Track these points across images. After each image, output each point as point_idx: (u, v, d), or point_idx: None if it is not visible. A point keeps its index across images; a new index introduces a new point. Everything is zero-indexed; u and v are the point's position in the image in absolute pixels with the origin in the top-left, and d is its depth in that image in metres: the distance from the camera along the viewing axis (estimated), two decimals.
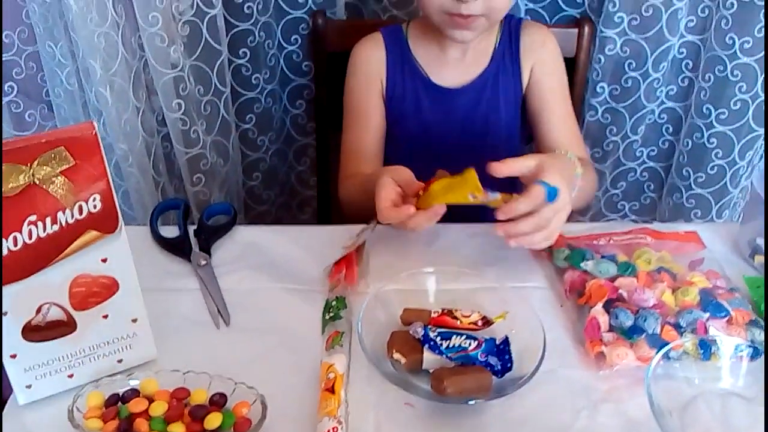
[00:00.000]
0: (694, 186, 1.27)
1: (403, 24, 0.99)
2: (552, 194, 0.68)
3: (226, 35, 1.11)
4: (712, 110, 1.18)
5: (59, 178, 0.52)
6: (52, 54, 0.99)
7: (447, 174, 0.71)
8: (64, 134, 0.52)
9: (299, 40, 1.23)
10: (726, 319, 0.66)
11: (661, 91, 1.24)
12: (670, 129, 1.29)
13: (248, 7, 1.12)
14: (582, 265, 0.72)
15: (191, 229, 0.80)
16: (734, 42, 1.11)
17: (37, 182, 0.51)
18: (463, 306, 0.67)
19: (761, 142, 1.21)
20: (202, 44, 1.06)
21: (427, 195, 0.69)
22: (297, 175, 1.41)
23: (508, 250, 0.75)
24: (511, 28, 0.96)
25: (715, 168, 1.24)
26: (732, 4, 1.08)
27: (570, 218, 0.73)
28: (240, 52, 1.16)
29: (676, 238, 0.79)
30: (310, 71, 1.26)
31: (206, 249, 0.76)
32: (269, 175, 1.35)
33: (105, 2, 0.93)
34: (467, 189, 0.67)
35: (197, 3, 1.02)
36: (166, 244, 0.77)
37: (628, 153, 1.31)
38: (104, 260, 0.56)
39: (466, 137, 0.96)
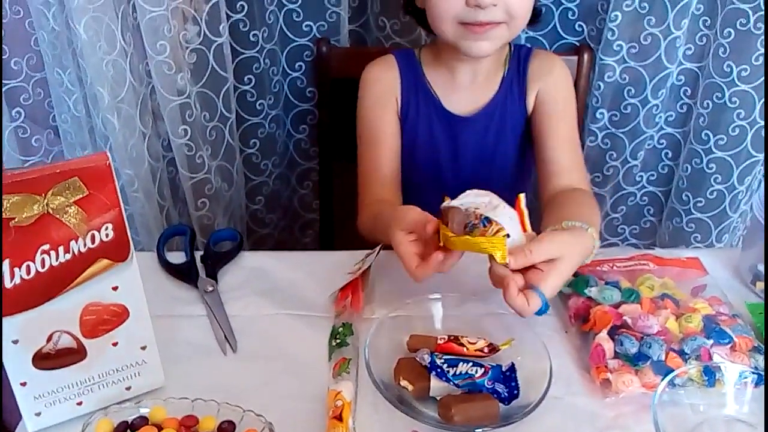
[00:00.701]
0: (693, 210, 1.28)
1: (415, 49, 1.00)
2: (541, 312, 0.65)
3: (232, 62, 1.13)
4: (711, 136, 1.20)
5: (73, 207, 0.53)
6: (60, 81, 1.01)
7: (460, 212, 0.66)
8: (78, 164, 0.53)
9: (303, 67, 1.25)
10: (729, 345, 0.67)
11: (660, 117, 1.26)
12: (670, 154, 1.31)
13: (254, 35, 1.14)
14: (586, 291, 0.73)
15: (198, 255, 0.80)
16: (732, 69, 1.12)
17: (51, 212, 0.52)
18: (469, 332, 0.67)
19: (760, 167, 1.22)
20: (208, 71, 1.07)
21: (452, 241, 0.65)
22: (299, 199, 1.42)
23: None
24: (520, 56, 0.96)
25: (715, 193, 1.25)
26: (729, 32, 1.10)
27: None
28: (245, 79, 1.18)
29: (678, 265, 0.79)
30: (314, 97, 1.28)
31: (213, 275, 0.77)
32: (272, 199, 1.36)
33: (114, 31, 0.95)
34: (492, 251, 0.64)
35: (204, 31, 1.04)
36: (173, 270, 0.78)
37: (628, 178, 1.32)
38: (115, 288, 0.57)
39: (475, 164, 0.97)
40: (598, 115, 1.25)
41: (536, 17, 0.92)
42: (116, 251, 0.56)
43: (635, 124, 1.25)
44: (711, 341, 0.66)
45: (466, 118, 0.95)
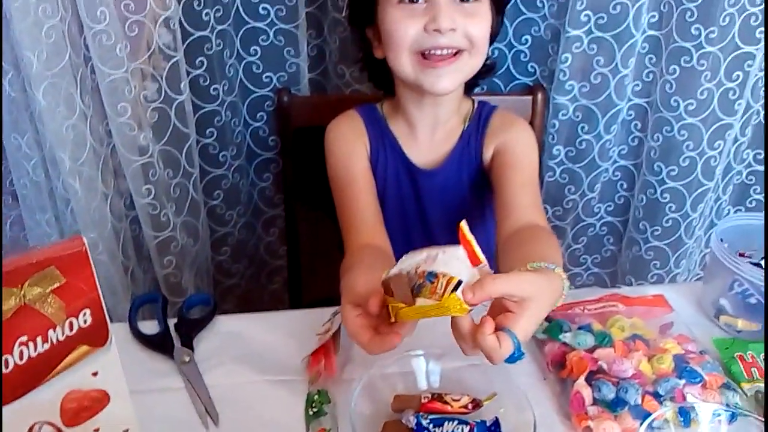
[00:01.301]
0: (651, 239, 1.33)
1: (376, 104, 1.01)
2: (513, 358, 0.60)
3: (194, 117, 1.13)
4: (663, 167, 1.25)
5: (50, 297, 0.52)
6: (18, 145, 0.99)
7: (403, 278, 0.61)
8: (54, 253, 0.52)
9: (265, 117, 1.25)
10: (701, 384, 0.69)
11: (614, 150, 1.30)
12: (625, 185, 1.35)
13: (214, 89, 1.14)
14: (561, 337, 0.75)
15: (171, 322, 0.79)
16: (679, 104, 1.18)
17: (28, 303, 0.51)
18: (451, 387, 0.68)
19: (711, 194, 1.28)
20: (170, 129, 1.07)
21: (403, 314, 0.61)
22: (266, 246, 1.41)
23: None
24: (482, 114, 0.97)
25: (670, 221, 1.30)
26: (674, 69, 1.16)
27: None
28: (207, 132, 1.18)
29: (645, 303, 0.82)
30: (277, 145, 1.28)
31: (188, 344, 0.76)
32: (238, 249, 1.35)
33: (73, 95, 0.94)
34: (449, 313, 0.59)
35: (165, 90, 1.03)
36: (147, 341, 0.77)
37: (586, 209, 1.36)
38: (95, 374, 0.56)
39: (439, 214, 0.99)
40: (554, 152, 1.29)
41: (490, 71, 0.94)
42: (95, 336, 0.55)
43: (590, 158, 1.29)
44: (683, 381, 0.69)
45: (427, 171, 0.96)
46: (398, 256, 0.85)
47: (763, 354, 0.74)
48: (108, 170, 1.05)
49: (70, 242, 0.53)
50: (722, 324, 0.81)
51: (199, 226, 1.19)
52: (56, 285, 0.52)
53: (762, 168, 1.30)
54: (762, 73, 1.18)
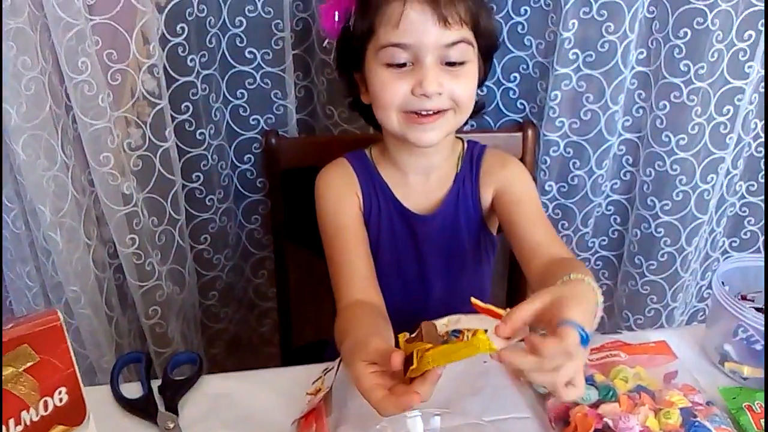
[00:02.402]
0: (647, 273, 1.31)
1: (365, 149, 0.99)
2: (585, 340, 0.58)
3: (179, 162, 1.10)
4: (656, 202, 1.23)
5: (23, 376, 0.49)
6: None
7: (434, 326, 0.64)
8: (27, 330, 0.49)
9: (252, 159, 1.23)
10: None
11: (606, 185, 1.29)
12: (618, 219, 1.34)
13: (200, 134, 1.12)
14: None
15: (155, 384, 0.76)
16: (670, 139, 1.17)
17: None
18: None
19: (705, 227, 1.27)
20: (155, 176, 1.04)
21: (429, 356, 0.60)
22: (255, 288, 1.38)
23: (487, 377, 0.74)
24: (473, 155, 0.96)
25: (665, 255, 1.28)
26: (665, 105, 1.15)
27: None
28: (193, 176, 1.15)
29: (648, 351, 0.80)
30: (265, 187, 1.26)
31: (173, 408, 0.73)
32: (226, 293, 1.32)
33: (54, 146, 0.91)
34: (478, 351, 0.59)
35: (149, 137, 1.01)
36: (129, 406, 0.73)
37: (581, 244, 1.35)
38: None
39: (436, 261, 0.97)
40: (546, 187, 1.27)
41: (479, 110, 0.93)
42: (71, 415, 0.52)
43: (583, 193, 1.28)
44: None
45: (423, 216, 0.95)
46: (395, 305, 0.83)
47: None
48: (90, 220, 1.02)
49: (44, 316, 0.50)
50: (727, 371, 0.79)
51: (186, 272, 1.16)
52: (30, 364, 0.49)
53: (755, 199, 1.29)
54: (752, 107, 1.18)
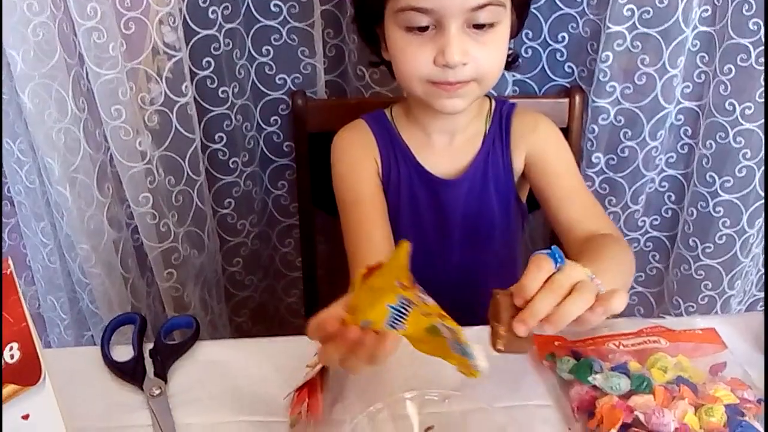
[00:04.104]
0: (702, 257, 1.19)
1: (385, 110, 0.92)
2: (556, 255, 0.58)
3: (200, 121, 1.06)
4: (716, 178, 1.12)
5: None
6: (11, 151, 0.93)
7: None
8: None
9: (279, 121, 1.18)
10: None
11: (660, 159, 1.18)
12: (673, 197, 1.23)
13: (223, 92, 1.07)
14: (590, 379, 0.64)
15: (147, 348, 0.71)
16: (735, 108, 1.05)
17: None
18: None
19: None
20: (172, 133, 1.00)
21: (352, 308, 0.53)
22: (281, 257, 1.33)
23: (505, 360, 0.66)
24: (502, 114, 0.89)
25: (724, 237, 1.16)
26: (730, 69, 1.03)
27: None
28: (216, 137, 1.11)
29: (693, 339, 0.71)
30: (292, 151, 1.20)
31: (162, 374, 0.68)
32: (251, 260, 1.28)
33: (65, 97, 0.88)
34: (393, 276, 0.53)
35: (165, 91, 0.97)
36: (116, 369, 0.69)
37: (629, 223, 1.24)
38: (26, 417, 0.48)
39: (460, 228, 0.89)
40: (594, 159, 1.17)
41: (513, 62, 0.85)
42: (25, 374, 0.47)
43: (634, 167, 1.17)
44: None
45: (448, 181, 0.88)
46: (414, 275, 0.76)
47: None
48: (106, 177, 0.99)
49: None
50: None
51: (205, 236, 1.12)
52: None
53: None
54: None
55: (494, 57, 0.77)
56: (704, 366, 0.68)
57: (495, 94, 1.02)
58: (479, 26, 0.74)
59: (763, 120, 1.04)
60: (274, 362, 0.70)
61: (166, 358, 0.70)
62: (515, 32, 0.82)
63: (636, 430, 0.58)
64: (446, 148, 0.88)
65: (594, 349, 0.68)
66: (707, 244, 1.18)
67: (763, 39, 0.99)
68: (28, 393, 0.47)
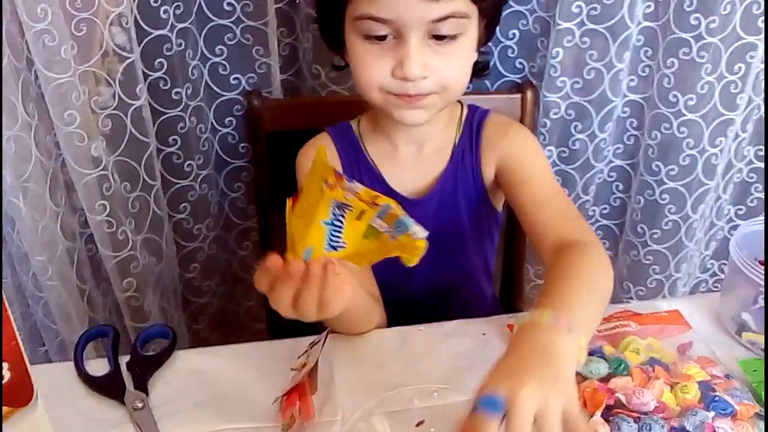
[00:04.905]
0: (650, 242, 1.25)
1: (352, 121, 0.90)
2: (488, 403, 0.48)
3: (154, 124, 1.03)
4: (662, 167, 1.17)
5: None
6: None
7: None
8: None
9: (234, 122, 1.15)
10: (731, 415, 0.61)
11: (608, 150, 1.23)
12: (621, 186, 1.28)
13: (176, 93, 1.04)
14: None
15: (123, 361, 0.69)
16: (678, 99, 1.10)
17: None
18: (445, 427, 0.59)
19: (711, 194, 1.21)
20: (126, 138, 0.97)
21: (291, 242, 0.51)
22: (239, 261, 1.31)
23: (487, 351, 0.68)
24: (473, 123, 0.86)
25: (670, 223, 1.22)
26: (672, 62, 1.08)
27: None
28: (170, 140, 1.08)
29: (659, 321, 0.74)
30: (248, 152, 1.18)
31: (142, 386, 0.66)
32: (208, 265, 1.25)
33: (14, 103, 0.83)
34: (318, 182, 0.51)
35: (119, 94, 0.93)
36: (94, 384, 0.66)
37: (581, 212, 1.28)
38: None
39: (429, 245, 0.89)
40: (546, 152, 1.20)
41: (483, 70, 0.84)
42: (16, 395, 0.45)
43: (584, 159, 1.21)
44: (712, 413, 0.60)
45: (415, 200, 0.85)
46: (384, 290, 0.76)
47: None
48: (58, 185, 0.94)
49: None
50: (745, 342, 0.73)
51: (163, 242, 1.09)
52: None
53: (764, 165, 1.23)
54: (763, 65, 1.11)
55: (457, 69, 0.73)
56: (671, 346, 0.71)
57: None
58: (440, 38, 0.70)
59: (705, 110, 1.10)
60: (256, 367, 0.69)
61: (145, 370, 0.67)
62: (483, 42, 0.78)
63: (618, 411, 0.61)
64: (413, 161, 0.85)
65: None
66: (654, 231, 1.23)
67: (763, 39, 1.04)
68: (20, 414, 0.45)
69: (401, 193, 0.85)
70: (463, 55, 0.74)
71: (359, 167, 0.85)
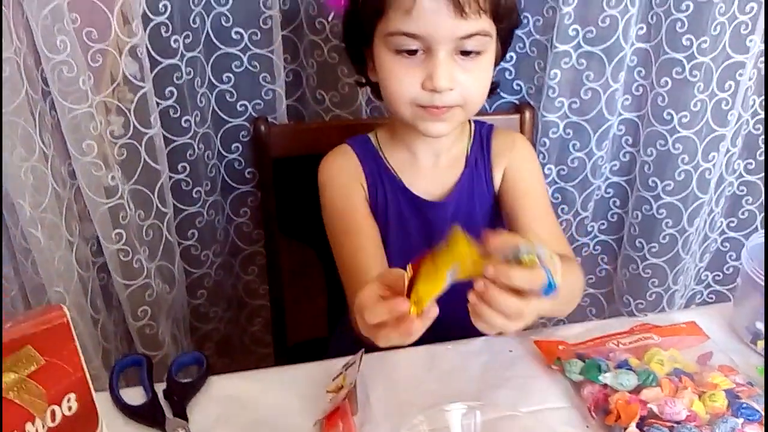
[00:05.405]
0: (648, 256, 1.28)
1: (369, 134, 0.94)
2: (550, 289, 0.58)
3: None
4: (658, 182, 1.21)
5: (27, 383, 0.42)
6: None
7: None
8: (29, 328, 0.42)
9: (240, 148, 1.16)
10: (758, 421, 0.63)
11: (606, 167, 1.26)
12: (618, 202, 1.31)
13: (186, 121, 1.05)
14: (600, 378, 0.68)
15: (159, 389, 0.69)
16: (672, 117, 1.14)
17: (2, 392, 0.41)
18: None
19: (705, 207, 1.24)
20: (141, 166, 0.97)
21: (414, 293, 0.57)
22: (244, 286, 1.31)
23: (516, 367, 0.69)
24: (482, 135, 0.92)
25: (667, 237, 1.26)
26: (666, 81, 1.12)
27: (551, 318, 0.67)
28: (179, 167, 1.08)
29: (678, 332, 0.76)
30: (254, 178, 1.19)
31: (182, 413, 0.66)
32: (215, 291, 1.25)
33: (31, 134, 0.83)
34: (462, 252, 0.57)
35: (133, 123, 0.94)
36: (133, 413, 0.66)
37: (580, 229, 1.31)
38: None
39: None
40: (546, 171, 1.24)
41: (494, 89, 0.89)
42: (82, 425, 0.45)
43: (583, 176, 1.25)
44: (741, 420, 0.63)
45: (434, 203, 0.90)
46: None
47: None
48: (72, 215, 0.94)
49: (48, 313, 0.44)
50: (760, 350, 0.76)
51: (175, 270, 1.09)
52: (34, 368, 0.42)
53: (753, 178, 1.28)
54: (751, 83, 1.16)
55: (479, 83, 0.79)
56: (692, 357, 0.73)
57: None
58: (466, 53, 0.76)
59: (698, 126, 1.14)
60: (292, 391, 0.70)
61: (182, 397, 0.68)
62: (498, 60, 0.85)
63: (652, 421, 0.63)
64: (431, 169, 0.90)
65: (596, 350, 0.73)
66: (653, 244, 1.27)
67: (764, 37, 1.08)
68: None
69: (422, 196, 0.90)
70: (484, 71, 0.80)
71: (381, 175, 0.90)
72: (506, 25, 0.81)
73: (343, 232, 0.86)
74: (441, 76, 0.75)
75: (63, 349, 0.43)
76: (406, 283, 0.57)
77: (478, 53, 0.77)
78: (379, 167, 0.90)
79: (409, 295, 0.57)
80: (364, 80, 0.89)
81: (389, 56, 0.78)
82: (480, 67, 0.79)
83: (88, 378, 0.45)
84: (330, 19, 1.06)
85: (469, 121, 0.94)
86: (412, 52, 0.77)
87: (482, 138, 0.92)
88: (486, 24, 0.76)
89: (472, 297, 0.58)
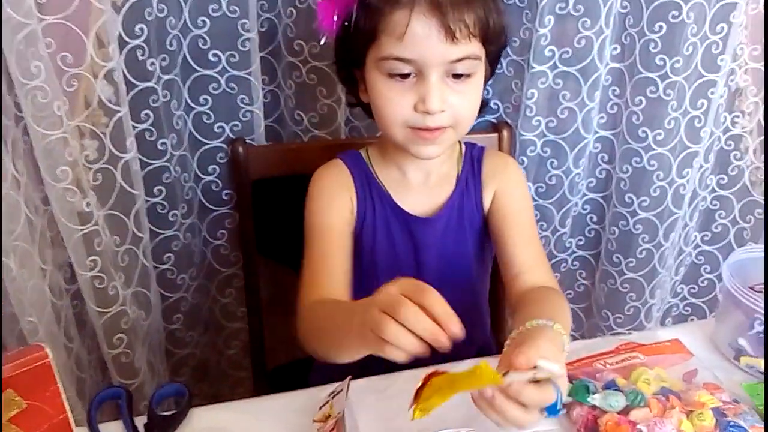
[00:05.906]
0: (626, 271, 1.30)
1: (360, 150, 0.94)
2: (555, 410, 0.62)
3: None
4: (634, 198, 1.22)
5: (9, 427, 0.40)
6: None
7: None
8: (11, 370, 0.41)
9: (218, 170, 1.15)
10: None
11: (582, 184, 1.27)
12: (594, 218, 1.33)
13: (162, 144, 1.03)
14: (589, 399, 0.68)
15: (140, 423, 0.67)
16: (647, 135, 1.16)
17: None
18: None
19: (680, 222, 1.26)
20: (116, 191, 0.95)
21: (435, 381, 0.59)
22: (221, 308, 1.29)
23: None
24: (473, 156, 0.93)
25: (643, 252, 1.27)
26: (640, 100, 1.14)
27: None
28: (155, 190, 1.06)
29: (663, 351, 0.77)
30: (231, 199, 1.18)
31: None
32: (191, 315, 1.22)
33: (6, 161, 0.81)
34: (483, 383, 0.59)
35: (109, 148, 0.92)
36: None
37: (558, 245, 1.32)
38: None
39: (436, 265, 0.91)
40: None
41: (482, 108, 0.89)
42: None
43: (561, 193, 1.26)
44: None
45: (424, 219, 0.90)
46: None
47: None
48: (45, 242, 0.92)
49: (29, 353, 0.42)
50: (744, 366, 0.77)
51: (150, 295, 1.07)
52: (15, 412, 0.41)
53: (726, 192, 1.30)
54: (722, 100, 1.19)
55: (470, 104, 0.81)
56: (677, 375, 0.74)
57: None
58: (457, 76, 0.78)
59: (672, 143, 1.16)
60: (277, 421, 0.68)
61: (164, 430, 0.66)
62: (487, 80, 0.86)
63: None
64: (422, 187, 0.91)
65: (584, 371, 0.73)
66: (630, 259, 1.28)
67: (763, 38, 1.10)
68: None
69: (412, 213, 0.90)
70: (475, 91, 0.81)
71: (371, 191, 0.90)
72: (495, 48, 0.83)
73: (318, 232, 0.86)
74: (433, 99, 0.76)
75: (45, 391, 0.42)
76: (414, 389, 0.60)
77: (468, 75, 0.78)
78: (369, 182, 0.90)
79: (416, 399, 0.59)
80: (355, 101, 0.89)
81: (382, 79, 0.79)
82: (470, 89, 0.80)
83: (71, 419, 0.43)
84: (316, 42, 1.05)
85: (459, 143, 0.95)
86: (405, 76, 0.77)
87: (473, 158, 0.93)
88: (476, 48, 0.77)
89: (476, 395, 0.61)
